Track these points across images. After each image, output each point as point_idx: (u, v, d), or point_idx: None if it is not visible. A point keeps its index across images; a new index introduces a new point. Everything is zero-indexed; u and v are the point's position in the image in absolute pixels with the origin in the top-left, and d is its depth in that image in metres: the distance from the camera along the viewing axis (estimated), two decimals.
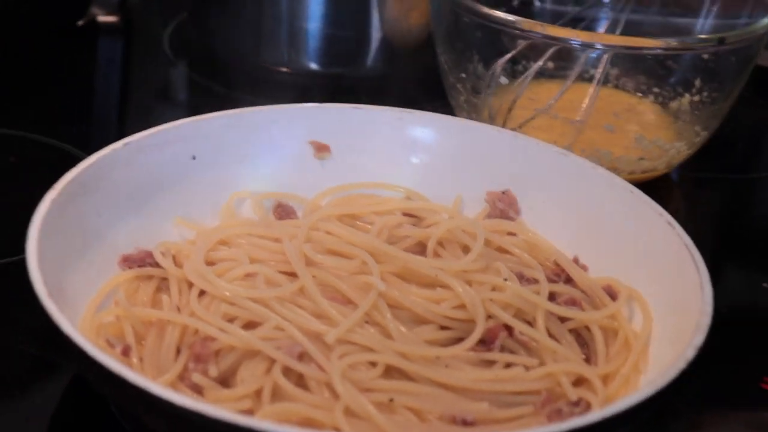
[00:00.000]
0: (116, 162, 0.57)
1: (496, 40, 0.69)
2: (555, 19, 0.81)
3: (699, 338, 0.47)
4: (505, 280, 0.54)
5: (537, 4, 0.81)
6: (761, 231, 0.71)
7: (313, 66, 0.82)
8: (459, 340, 0.52)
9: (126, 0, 0.93)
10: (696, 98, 0.71)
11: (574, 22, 0.81)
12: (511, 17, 0.65)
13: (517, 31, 0.65)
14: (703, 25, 0.80)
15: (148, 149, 0.59)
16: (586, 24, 0.81)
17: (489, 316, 0.53)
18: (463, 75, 0.71)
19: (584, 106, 0.67)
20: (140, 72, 0.89)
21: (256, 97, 0.81)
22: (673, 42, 0.65)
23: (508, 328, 0.53)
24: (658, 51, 0.65)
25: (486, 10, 0.66)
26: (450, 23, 0.71)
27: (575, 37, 0.64)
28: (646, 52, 0.66)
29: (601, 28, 0.81)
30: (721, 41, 0.64)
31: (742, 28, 0.66)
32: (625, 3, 0.77)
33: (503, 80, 0.68)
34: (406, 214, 0.62)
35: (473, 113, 0.71)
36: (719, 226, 0.73)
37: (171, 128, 0.61)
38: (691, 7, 0.81)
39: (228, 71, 0.84)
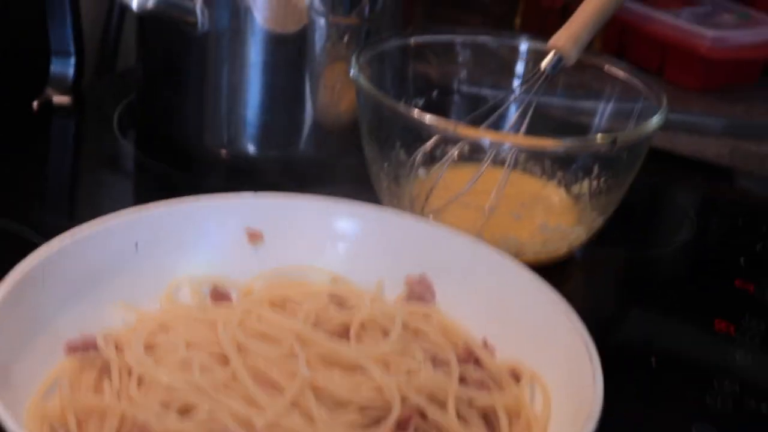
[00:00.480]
0: (64, 254, 0.57)
1: (416, 130, 0.70)
2: (474, 104, 0.82)
3: (590, 426, 0.48)
4: (417, 363, 0.55)
5: (455, 93, 0.82)
6: (655, 305, 0.73)
7: (251, 149, 0.82)
8: (379, 420, 0.53)
9: (80, 81, 0.92)
10: (594, 183, 0.73)
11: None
12: (426, 117, 0.66)
13: (432, 130, 0.66)
14: (605, 108, 0.81)
15: (94, 240, 0.59)
16: (502, 108, 0.81)
17: (404, 399, 0.54)
18: (386, 164, 0.72)
19: (493, 194, 0.68)
20: (91, 151, 0.88)
21: (196, 177, 0.81)
22: (569, 143, 0.67)
23: (422, 411, 0.53)
24: (558, 150, 0.67)
25: (403, 109, 0.67)
26: (373, 116, 0.72)
27: (484, 136, 0.66)
28: (547, 151, 0.68)
29: (515, 110, 0.81)
30: (613, 141, 0.66)
31: (633, 129, 0.68)
32: (536, 90, 0.77)
33: (421, 172, 0.69)
34: (332, 297, 0.62)
35: (395, 199, 0.72)
36: (614, 301, 0.74)
37: (115, 218, 0.61)
38: (593, 92, 0.82)
39: (172, 152, 0.84)
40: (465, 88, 0.84)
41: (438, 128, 0.66)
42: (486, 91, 0.84)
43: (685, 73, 1.12)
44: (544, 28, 1.15)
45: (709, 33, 1.09)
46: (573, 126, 0.83)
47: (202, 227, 0.63)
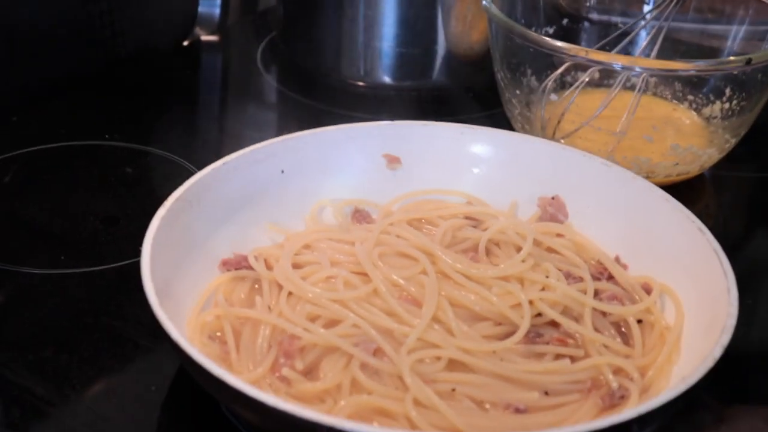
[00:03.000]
0: (216, 179, 0.58)
1: (547, 56, 0.68)
2: (603, 31, 0.79)
3: (726, 338, 0.46)
4: (551, 279, 0.54)
5: (585, 21, 0.79)
6: None
7: (386, 80, 0.82)
8: (513, 332, 0.52)
9: (225, 20, 0.93)
10: (726, 106, 0.69)
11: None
12: (558, 43, 0.64)
13: (564, 55, 0.64)
14: (737, 31, 0.77)
15: (243, 166, 0.60)
16: (632, 34, 0.77)
17: (539, 314, 0.53)
18: (518, 92, 0.70)
19: (624, 118, 0.66)
20: (237, 84, 0.89)
21: (336, 107, 0.81)
22: (703, 65, 0.63)
23: (557, 323, 0.52)
24: (691, 72, 0.64)
25: (535, 35, 0.65)
26: (505, 44, 0.70)
27: (615, 61, 0.63)
28: (680, 73, 0.65)
29: (646, 37, 0.78)
30: (748, 62, 0.62)
31: None
32: (666, 15, 0.74)
33: (553, 97, 0.67)
34: (467, 218, 0.61)
35: (527, 125, 0.70)
36: (745, 220, 0.71)
37: (262, 147, 0.61)
38: (724, 16, 0.78)
39: (312, 84, 0.84)
40: (595, 16, 0.81)
41: (570, 53, 0.64)
42: (616, 18, 0.81)
43: None
44: None
45: None
46: (704, 50, 0.80)
47: (343, 153, 0.63)
